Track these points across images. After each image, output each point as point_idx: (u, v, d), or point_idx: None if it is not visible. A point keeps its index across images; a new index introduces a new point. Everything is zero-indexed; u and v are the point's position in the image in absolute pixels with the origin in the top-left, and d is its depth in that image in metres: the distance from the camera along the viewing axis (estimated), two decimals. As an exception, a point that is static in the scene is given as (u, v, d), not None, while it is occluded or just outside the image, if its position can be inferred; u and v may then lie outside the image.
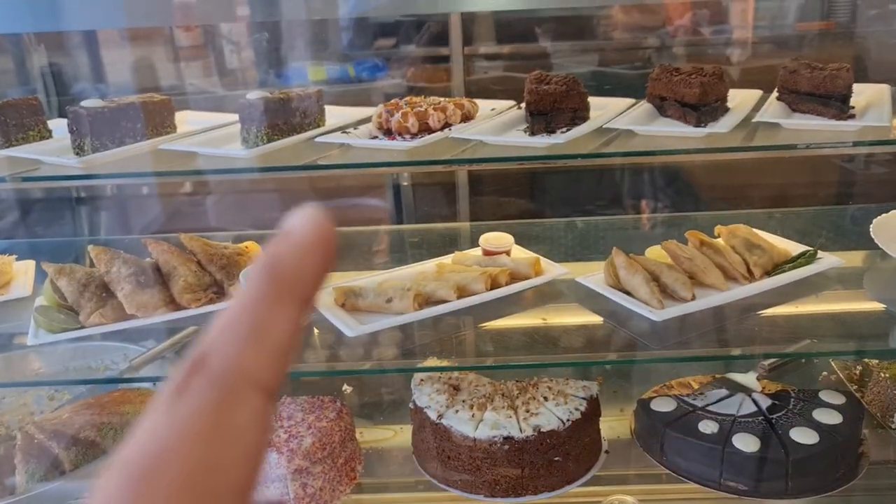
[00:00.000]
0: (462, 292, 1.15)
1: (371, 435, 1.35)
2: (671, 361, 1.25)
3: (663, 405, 1.27)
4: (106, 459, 1.21)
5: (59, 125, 1.27)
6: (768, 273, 1.19)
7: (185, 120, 1.34)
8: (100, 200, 1.96)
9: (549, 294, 1.20)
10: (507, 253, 1.26)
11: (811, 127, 1.11)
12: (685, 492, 1.22)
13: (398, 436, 1.36)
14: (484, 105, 1.29)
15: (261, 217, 1.85)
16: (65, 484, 1.18)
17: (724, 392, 1.31)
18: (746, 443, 1.15)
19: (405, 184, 1.81)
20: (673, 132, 1.14)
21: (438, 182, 1.83)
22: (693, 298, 1.11)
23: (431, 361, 1.13)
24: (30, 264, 1.38)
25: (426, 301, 1.14)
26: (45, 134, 1.27)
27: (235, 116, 1.21)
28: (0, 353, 1.26)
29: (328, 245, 0.26)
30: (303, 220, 0.26)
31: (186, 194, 1.94)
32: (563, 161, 1.28)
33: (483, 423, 1.17)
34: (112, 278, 1.13)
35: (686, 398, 1.28)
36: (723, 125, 1.11)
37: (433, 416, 1.21)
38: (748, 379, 1.37)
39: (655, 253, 1.22)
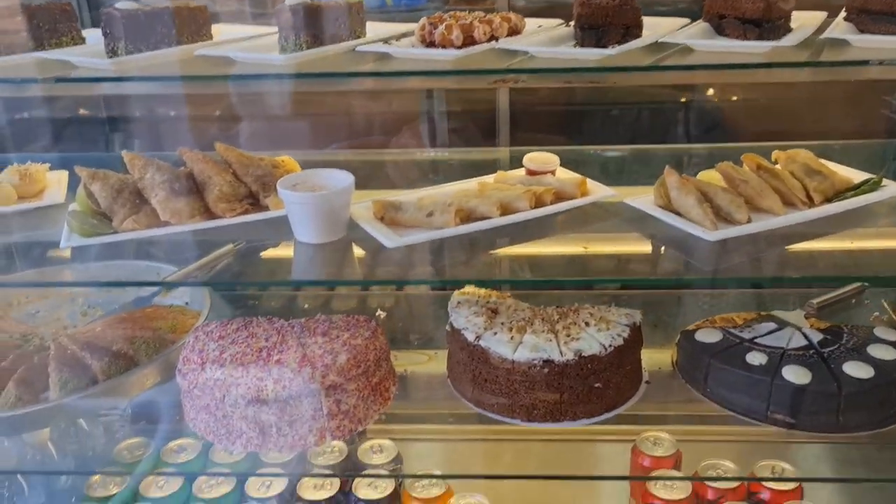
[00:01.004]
0: (505, 210, 1.10)
1: (405, 359, 1.32)
2: (723, 284, 1.20)
3: (708, 336, 1.23)
4: (138, 372, 1.20)
5: (92, 34, 1.23)
6: (828, 200, 1.13)
7: (221, 31, 1.29)
8: (131, 123, 1.93)
9: (595, 215, 1.16)
10: (552, 173, 1.21)
11: (883, 44, 1.04)
12: (727, 423, 1.18)
13: (432, 360, 1.34)
14: (531, 23, 1.22)
15: (296, 143, 1.81)
16: (96, 393, 1.17)
17: (772, 325, 1.26)
18: (797, 375, 1.11)
19: (442, 110, 1.75)
20: (734, 47, 1.07)
21: (477, 110, 1.77)
22: (748, 221, 1.05)
23: (471, 279, 1.10)
24: (62, 174, 1.36)
25: (468, 217, 1.09)
26: (79, 40, 1.24)
27: (274, 29, 1.16)
28: (35, 264, 1.24)
29: None
30: None
31: (218, 118, 1.90)
32: (613, 79, 1.22)
33: (522, 346, 1.14)
34: (146, 185, 1.10)
35: (732, 330, 1.24)
36: (788, 41, 1.04)
37: (470, 337, 1.17)
38: (796, 317, 1.32)
39: (708, 176, 1.17)
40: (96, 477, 1.44)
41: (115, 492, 1.41)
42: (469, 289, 1.32)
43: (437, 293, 2.05)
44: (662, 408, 1.22)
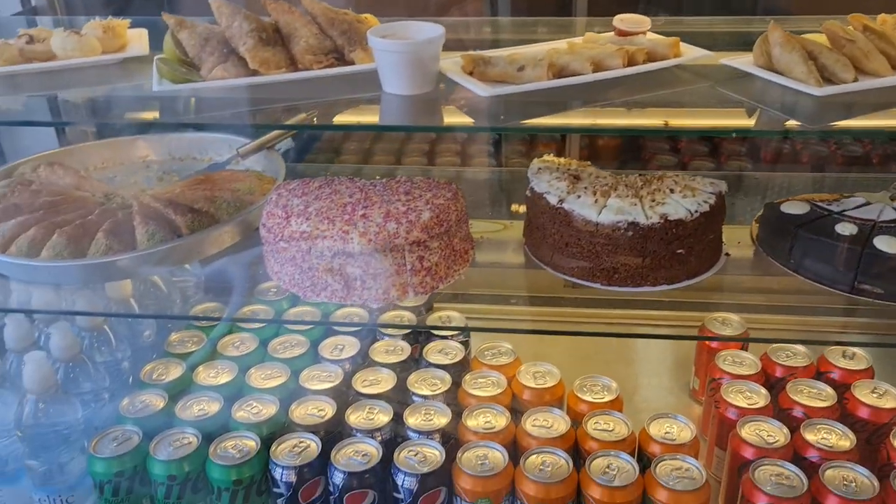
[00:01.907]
0: (598, 67, 1.07)
1: (481, 227, 1.32)
2: (825, 137, 1.16)
3: (795, 208, 1.21)
4: (220, 228, 1.22)
5: None
6: (937, 66, 1.07)
7: None
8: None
9: (690, 74, 1.12)
10: (644, 34, 1.17)
11: None
12: (807, 296, 1.17)
13: (509, 229, 1.34)
14: None
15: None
16: (181, 247, 1.19)
17: (860, 201, 1.23)
18: (890, 244, 1.08)
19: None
20: None
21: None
22: (855, 80, 1.01)
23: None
24: (142, 31, 1.35)
25: (559, 73, 1.07)
26: None
27: None
28: (125, 111, 1.25)
29: None
30: None
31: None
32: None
33: (607, 209, 1.13)
34: (234, 33, 1.08)
35: (820, 203, 1.21)
36: None
37: (553, 200, 1.16)
38: (881, 198, 1.29)
39: (811, 38, 1.12)
40: (175, 335, 1.49)
41: (193, 349, 1.46)
42: (549, 157, 1.31)
43: (509, 169, 2.05)
44: (742, 280, 1.21)
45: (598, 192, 1.16)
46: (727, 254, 1.22)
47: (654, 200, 1.14)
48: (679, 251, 1.13)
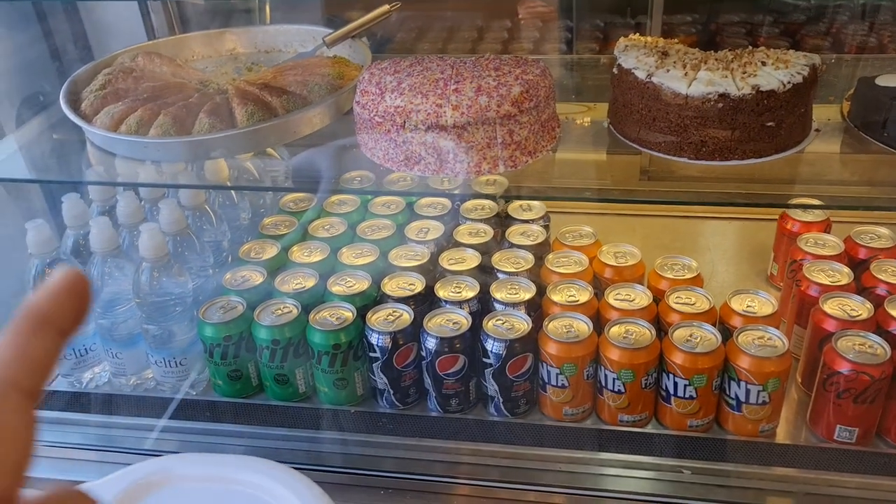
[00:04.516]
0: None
1: (565, 108, 1.33)
2: None
3: (893, 81, 1.19)
4: (313, 108, 1.26)
5: None
6: None
7: None
8: None
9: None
10: None
11: None
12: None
13: (592, 111, 1.35)
14: None
15: None
16: (279, 126, 1.24)
17: (960, 76, 1.21)
18: None
19: None
20: None
21: None
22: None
23: None
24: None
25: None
26: None
27: None
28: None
29: (80, 290, 0.37)
30: (58, 276, 0.37)
31: None
32: None
33: (697, 81, 1.13)
34: None
35: (917, 76, 1.19)
36: None
37: (642, 75, 1.17)
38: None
39: None
40: (268, 219, 1.57)
41: (285, 232, 1.53)
42: (635, 36, 1.30)
43: (586, 56, 2.04)
44: (831, 155, 1.21)
45: (687, 66, 1.16)
46: (817, 129, 1.22)
47: (745, 72, 1.14)
48: (769, 123, 1.13)
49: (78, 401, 1.36)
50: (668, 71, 1.16)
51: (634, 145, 1.22)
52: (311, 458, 1.24)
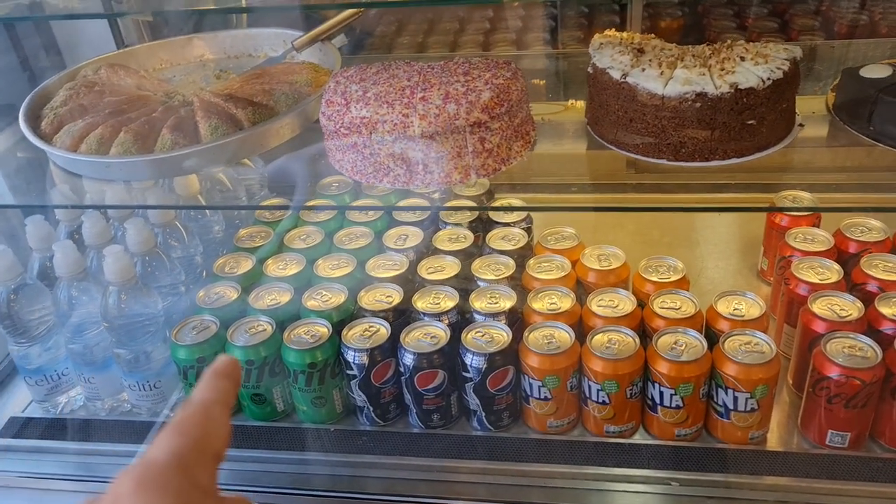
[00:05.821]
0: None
1: (541, 109, 1.29)
2: None
3: (876, 72, 1.14)
4: (280, 119, 1.22)
5: None
6: None
7: None
8: None
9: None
10: None
11: None
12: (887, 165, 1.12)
13: (570, 110, 1.31)
14: None
15: None
16: (244, 139, 1.20)
17: (948, 62, 1.16)
18: (979, 103, 1.02)
19: None
20: None
21: None
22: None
23: None
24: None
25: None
26: None
27: None
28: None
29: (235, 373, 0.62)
30: (220, 360, 0.62)
31: None
32: None
33: (673, 80, 1.09)
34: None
35: (903, 66, 1.15)
36: None
37: (616, 75, 1.13)
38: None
39: None
40: (243, 231, 1.53)
41: (261, 244, 1.49)
42: (611, 32, 1.26)
43: (567, 51, 1.99)
44: (816, 150, 1.17)
45: (663, 64, 1.12)
46: (801, 124, 1.17)
47: (723, 69, 1.09)
48: (750, 122, 1.09)
49: (54, 427, 1.33)
50: (643, 70, 1.11)
51: (612, 147, 1.18)
52: (292, 480, 1.21)
